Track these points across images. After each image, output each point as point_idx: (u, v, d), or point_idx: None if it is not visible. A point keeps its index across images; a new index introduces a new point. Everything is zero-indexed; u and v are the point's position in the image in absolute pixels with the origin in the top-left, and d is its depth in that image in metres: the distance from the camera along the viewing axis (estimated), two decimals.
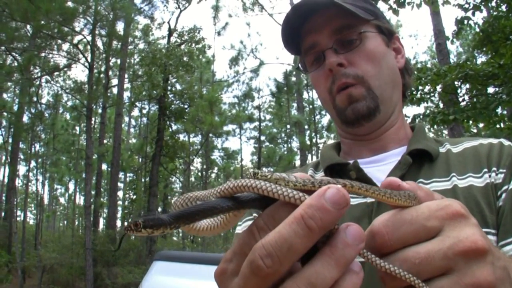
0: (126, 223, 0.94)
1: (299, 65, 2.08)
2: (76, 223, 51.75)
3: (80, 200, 55.53)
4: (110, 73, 29.52)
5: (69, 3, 24.76)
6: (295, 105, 40.80)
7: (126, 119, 51.82)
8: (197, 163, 46.73)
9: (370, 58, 1.81)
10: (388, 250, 0.84)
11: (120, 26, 28.97)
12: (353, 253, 0.77)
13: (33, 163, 39.78)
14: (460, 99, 14.80)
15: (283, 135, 48.46)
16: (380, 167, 1.79)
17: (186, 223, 0.83)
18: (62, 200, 68.04)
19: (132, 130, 56.21)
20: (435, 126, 14.23)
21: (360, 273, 0.78)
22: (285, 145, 48.59)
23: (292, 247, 0.74)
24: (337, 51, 1.80)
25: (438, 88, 14.74)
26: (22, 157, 43.71)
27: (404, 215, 0.86)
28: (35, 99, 30.45)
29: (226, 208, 0.83)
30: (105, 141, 37.21)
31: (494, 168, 1.61)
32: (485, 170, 1.62)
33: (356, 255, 0.78)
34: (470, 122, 13.84)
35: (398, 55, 1.98)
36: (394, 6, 13.17)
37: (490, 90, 14.60)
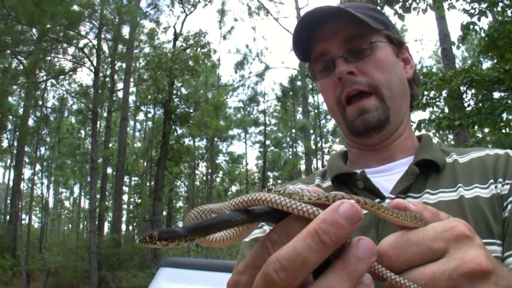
0: (135, 233, 0.95)
1: (308, 72, 2.07)
2: (81, 226, 51.94)
3: (85, 203, 55.48)
4: (116, 77, 29.72)
5: (75, 7, 24.88)
6: (300, 109, 40.85)
7: (131, 123, 51.94)
8: (202, 167, 46.85)
9: (380, 68, 1.80)
10: (394, 271, 0.84)
11: (125, 30, 29.13)
12: (365, 266, 0.78)
13: (38, 167, 39.90)
14: (466, 104, 14.77)
15: (288, 139, 48.46)
16: (387, 177, 1.78)
17: (201, 236, 0.84)
18: (67, 203, 67.97)
19: (137, 134, 56.31)
20: (441, 131, 14.20)
21: (371, 286, 0.79)
22: (290, 150, 48.59)
23: (306, 261, 0.74)
24: (347, 60, 1.79)
25: (444, 93, 14.70)
26: (27, 160, 43.70)
27: (411, 237, 0.86)
28: (40, 102, 30.61)
29: (241, 221, 0.84)
30: (110, 145, 37.25)
31: (500, 179, 1.61)
32: (491, 181, 1.62)
33: (368, 269, 0.79)
34: (476, 127, 13.81)
35: (407, 65, 1.97)
36: (400, 11, 13.17)
37: (496, 95, 14.57)
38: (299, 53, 1.99)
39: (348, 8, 1.77)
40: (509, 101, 13.28)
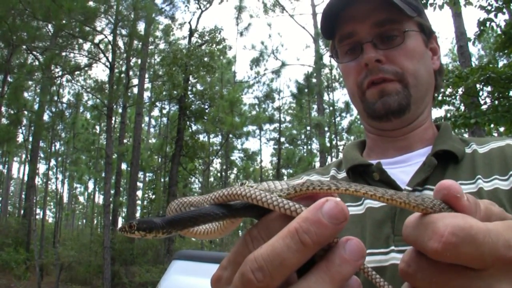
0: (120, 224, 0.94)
1: (330, 50, 2.01)
2: (95, 222, 52.29)
3: (99, 199, 56.02)
4: (131, 73, 29.74)
5: (91, 3, 25.04)
6: (315, 106, 40.83)
7: (146, 118, 52.26)
8: (216, 163, 47.00)
9: (409, 58, 1.75)
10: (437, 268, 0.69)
11: (141, 26, 29.23)
12: (350, 269, 0.71)
13: (53, 162, 40.09)
14: (482, 102, 14.71)
15: (303, 136, 48.65)
16: (404, 168, 1.73)
17: (179, 229, 0.82)
18: (81, 198, 68.77)
19: (152, 130, 56.69)
20: (456, 130, 14.14)
21: None
22: (305, 147, 48.77)
23: (284, 262, 0.69)
24: (376, 46, 1.75)
25: (460, 90, 14.67)
26: (42, 155, 44.10)
27: (481, 227, 0.65)
28: (56, 98, 30.75)
29: (220, 216, 0.81)
30: (125, 141, 37.44)
31: None
32: None
33: (354, 272, 0.72)
34: (492, 125, 13.74)
35: (434, 56, 1.92)
36: None
37: None
38: (326, 31, 1.92)
39: None
40: None
